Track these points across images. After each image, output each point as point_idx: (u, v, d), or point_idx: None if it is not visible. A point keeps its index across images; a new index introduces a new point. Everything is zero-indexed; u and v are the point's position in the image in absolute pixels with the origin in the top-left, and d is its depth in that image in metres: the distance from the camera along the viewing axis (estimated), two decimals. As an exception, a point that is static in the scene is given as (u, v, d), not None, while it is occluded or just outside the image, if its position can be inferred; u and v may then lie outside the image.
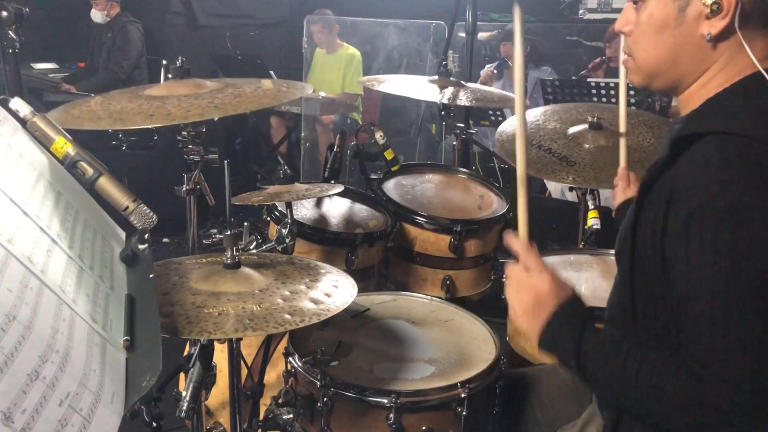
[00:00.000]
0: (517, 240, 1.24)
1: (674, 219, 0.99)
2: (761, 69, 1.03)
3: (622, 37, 1.19)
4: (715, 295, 0.94)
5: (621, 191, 1.75)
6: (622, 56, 1.20)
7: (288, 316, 1.27)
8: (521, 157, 1.24)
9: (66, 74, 5.47)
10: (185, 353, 1.60)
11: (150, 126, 1.35)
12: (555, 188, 3.81)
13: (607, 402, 1.23)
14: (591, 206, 2.13)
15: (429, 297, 1.94)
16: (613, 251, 2.12)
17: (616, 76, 3.93)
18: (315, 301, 1.35)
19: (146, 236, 1.22)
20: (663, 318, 1.06)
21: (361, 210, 2.40)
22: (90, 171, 1.14)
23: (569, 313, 1.14)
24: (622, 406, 1.13)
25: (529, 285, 1.18)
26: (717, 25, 1.03)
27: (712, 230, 0.94)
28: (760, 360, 0.92)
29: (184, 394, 1.33)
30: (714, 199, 0.95)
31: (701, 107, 1.08)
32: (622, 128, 1.84)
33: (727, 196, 0.94)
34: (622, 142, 1.83)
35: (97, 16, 5.24)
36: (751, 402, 0.92)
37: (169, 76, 1.62)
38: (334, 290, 1.43)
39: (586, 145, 2.09)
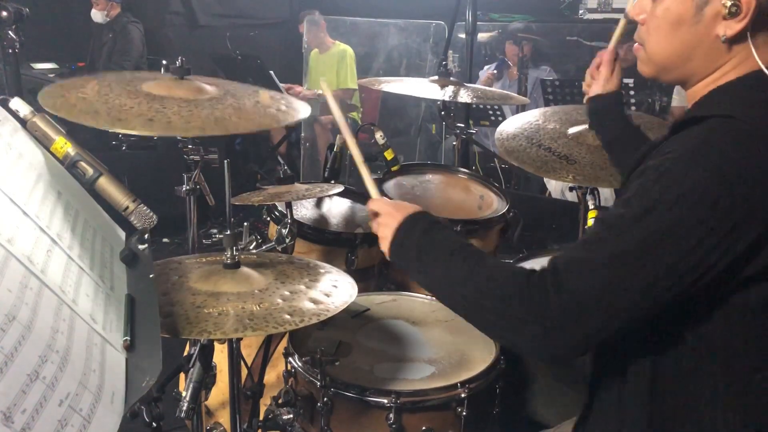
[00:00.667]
0: (372, 201, 1.33)
1: (638, 169, 1.03)
2: (762, 66, 1.02)
3: (638, 27, 1.17)
4: (612, 226, 0.98)
5: (602, 78, 1.68)
6: (634, 45, 1.19)
7: (288, 316, 1.27)
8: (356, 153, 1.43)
9: (65, 72, 5.48)
10: (185, 353, 1.60)
11: (149, 134, 1.35)
12: (555, 188, 3.82)
13: (439, 294, 1.22)
14: (591, 206, 2.12)
15: (429, 297, 1.94)
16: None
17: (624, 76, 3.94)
18: (314, 301, 1.35)
19: (146, 236, 1.22)
20: None
21: (361, 210, 2.40)
22: (90, 171, 1.14)
23: (412, 221, 1.20)
24: (450, 301, 1.14)
25: (381, 219, 1.27)
26: (734, 26, 1.02)
27: (650, 182, 0.97)
28: (596, 294, 0.95)
29: (184, 394, 1.33)
30: (674, 162, 0.96)
31: (704, 97, 1.08)
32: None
33: (685, 163, 0.95)
34: (622, 22, 1.68)
35: (97, 16, 5.25)
36: (557, 316, 0.95)
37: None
38: (334, 290, 1.43)
39: (587, 144, 2.08)
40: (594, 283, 0.95)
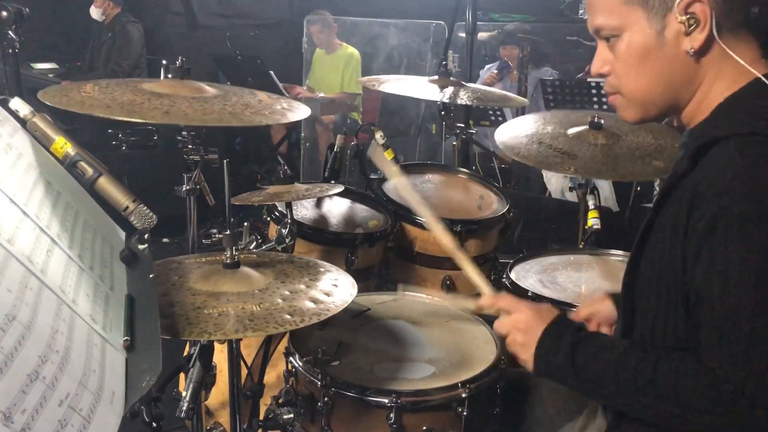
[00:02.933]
0: (485, 299, 1.30)
1: (699, 219, 0.99)
2: (760, 76, 1.03)
3: (607, 80, 1.16)
4: (740, 297, 0.94)
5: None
6: (610, 97, 1.18)
7: (288, 316, 1.27)
8: (446, 240, 1.36)
9: (65, 72, 5.48)
10: (185, 353, 1.60)
11: (168, 123, 1.36)
12: (555, 188, 3.81)
13: (614, 408, 1.21)
14: (591, 206, 2.13)
15: (429, 297, 1.94)
16: (612, 251, 2.14)
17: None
18: (315, 301, 1.35)
19: (146, 236, 1.22)
20: (671, 321, 1.07)
21: (361, 210, 2.40)
22: (90, 171, 1.14)
23: (558, 332, 1.15)
24: (631, 411, 1.12)
25: (514, 323, 1.22)
26: (698, 38, 1.03)
27: (737, 231, 0.94)
28: None
29: (184, 394, 1.33)
30: (739, 200, 0.94)
31: (713, 114, 1.07)
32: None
33: (751, 196, 0.94)
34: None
35: (95, 12, 5.24)
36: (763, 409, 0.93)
37: (169, 75, 1.62)
38: (334, 289, 1.43)
39: (587, 142, 2.09)
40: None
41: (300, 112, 1.59)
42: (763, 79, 1.02)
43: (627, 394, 1.06)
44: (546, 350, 1.16)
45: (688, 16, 1.02)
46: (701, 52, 1.04)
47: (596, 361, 1.10)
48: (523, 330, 1.20)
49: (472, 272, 1.33)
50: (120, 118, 1.31)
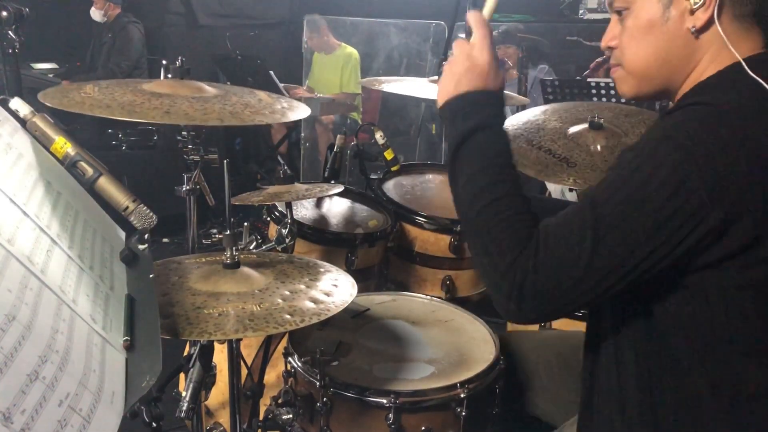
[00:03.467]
0: (477, 14, 1.25)
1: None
2: (740, 58, 1.05)
3: (613, 52, 1.19)
4: (591, 202, 1.00)
5: None
6: (612, 69, 1.21)
7: (288, 316, 1.27)
8: None
9: (65, 72, 5.48)
10: (185, 353, 1.60)
11: (169, 123, 1.36)
12: (555, 188, 3.81)
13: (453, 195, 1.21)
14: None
15: (429, 297, 1.94)
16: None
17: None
18: (315, 301, 1.35)
19: (146, 236, 1.22)
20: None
21: (361, 210, 2.40)
22: (90, 171, 1.14)
23: (479, 101, 1.15)
24: (460, 209, 1.15)
25: (465, 55, 1.19)
26: (701, 17, 1.05)
27: (625, 159, 1.01)
28: (570, 263, 0.99)
29: (184, 394, 1.33)
30: (648, 141, 1.00)
31: (687, 92, 1.10)
32: None
33: (657, 142, 0.98)
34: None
35: (95, 14, 5.24)
36: (536, 297, 1.01)
37: (169, 76, 1.62)
38: (334, 289, 1.43)
39: (586, 146, 2.09)
40: (569, 261, 0.99)
41: (300, 111, 1.59)
42: (742, 62, 1.04)
43: (465, 196, 1.11)
44: (460, 103, 1.15)
45: None
46: (701, 31, 1.06)
47: (477, 154, 1.12)
48: (465, 68, 1.17)
49: None
50: (120, 118, 1.31)
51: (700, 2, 1.04)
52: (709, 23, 1.06)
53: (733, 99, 1.00)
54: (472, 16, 1.23)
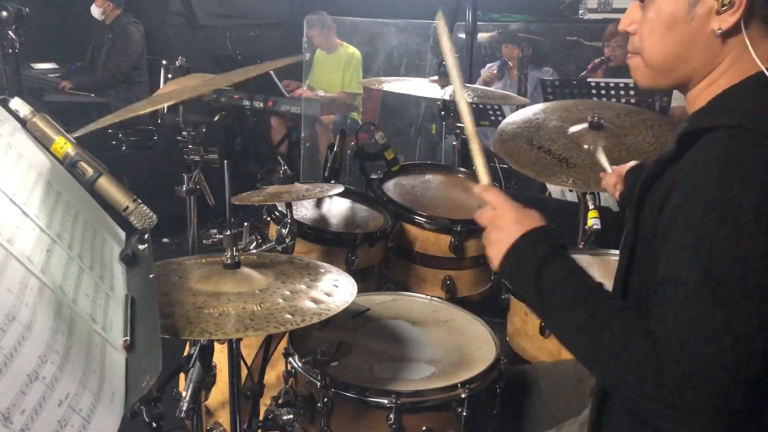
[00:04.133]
0: (480, 186, 1.24)
1: (668, 207, 0.99)
2: (763, 68, 1.02)
3: (630, 38, 1.16)
4: (688, 281, 0.92)
5: (623, 179, 1.67)
6: (628, 55, 1.18)
7: (289, 316, 1.27)
8: (467, 117, 1.32)
9: (65, 72, 5.48)
10: (185, 353, 1.60)
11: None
12: (555, 188, 3.81)
13: (558, 338, 1.16)
14: (591, 206, 2.12)
15: (429, 297, 1.94)
16: (613, 251, 2.14)
17: (616, 75, 3.94)
18: (315, 301, 1.35)
19: (146, 236, 1.22)
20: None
21: (361, 210, 2.40)
22: (90, 171, 1.14)
23: (536, 239, 1.11)
24: (570, 345, 1.07)
25: (494, 218, 1.17)
26: (728, 20, 1.02)
27: (698, 218, 0.93)
28: (715, 352, 0.89)
29: (184, 394, 1.33)
30: (706, 189, 0.94)
31: (709, 104, 1.07)
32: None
33: (719, 187, 0.93)
34: (601, 152, 1.79)
35: (95, 11, 5.24)
36: (698, 391, 0.89)
37: (169, 76, 1.62)
38: (335, 289, 1.43)
39: (586, 146, 2.09)
40: (720, 352, 0.89)
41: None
42: (765, 71, 1.01)
43: (575, 326, 1.02)
44: (518, 253, 1.11)
45: None
46: (727, 34, 1.03)
47: (562, 282, 1.06)
48: (500, 227, 1.16)
49: (478, 156, 1.29)
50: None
51: (728, 4, 1.01)
52: (736, 27, 1.02)
53: (762, 117, 0.97)
54: (478, 189, 1.24)
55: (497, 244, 1.14)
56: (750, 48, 1.02)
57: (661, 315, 0.95)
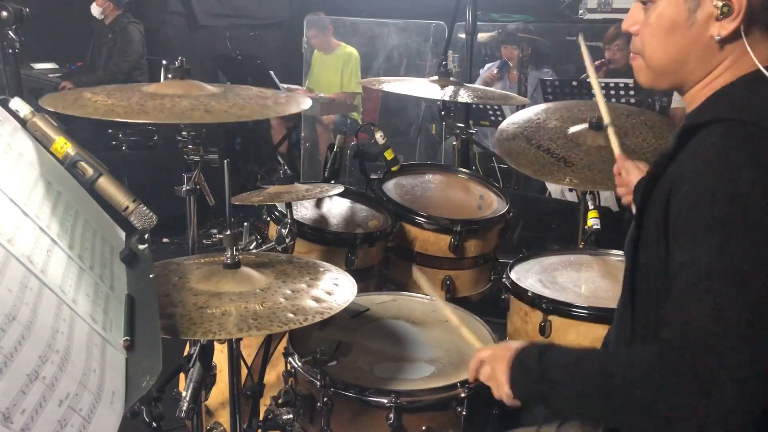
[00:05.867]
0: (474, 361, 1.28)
1: (675, 201, 0.99)
2: (761, 67, 1.03)
3: (633, 38, 1.18)
4: (700, 267, 0.91)
5: (633, 168, 1.61)
6: (631, 55, 1.19)
7: (291, 315, 1.27)
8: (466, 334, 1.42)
9: (65, 72, 5.48)
10: (185, 353, 1.60)
11: (204, 121, 1.37)
12: (555, 188, 3.81)
13: (595, 420, 1.20)
14: (591, 206, 2.12)
15: (429, 297, 1.94)
16: (612, 251, 2.14)
17: (617, 77, 3.94)
18: (317, 300, 1.35)
19: (146, 236, 1.22)
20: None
21: (361, 210, 2.40)
22: (90, 171, 1.14)
23: (523, 355, 1.14)
24: (609, 417, 1.07)
25: (481, 359, 1.23)
26: (727, 26, 1.03)
27: (708, 206, 0.93)
28: (728, 335, 0.87)
29: (184, 394, 1.33)
30: (711, 177, 0.95)
31: (705, 101, 1.08)
32: (606, 119, 1.73)
33: (724, 174, 0.94)
34: (612, 131, 1.72)
35: (95, 10, 5.24)
36: (709, 371, 0.87)
37: (169, 76, 1.62)
38: (335, 288, 1.43)
39: (585, 146, 2.09)
40: (733, 359, 0.87)
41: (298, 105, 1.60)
42: (763, 70, 1.03)
43: (602, 395, 1.01)
44: (518, 373, 1.14)
45: (723, 2, 1.02)
46: (726, 40, 1.05)
47: (568, 371, 1.07)
48: (491, 361, 1.20)
49: (466, 333, 1.42)
50: (157, 121, 1.32)
51: (727, 11, 1.02)
52: (735, 33, 1.03)
53: (757, 110, 0.98)
54: (472, 366, 1.28)
55: (497, 375, 1.17)
56: (750, 52, 1.03)
57: (670, 309, 0.94)
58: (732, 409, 0.87)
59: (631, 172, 1.60)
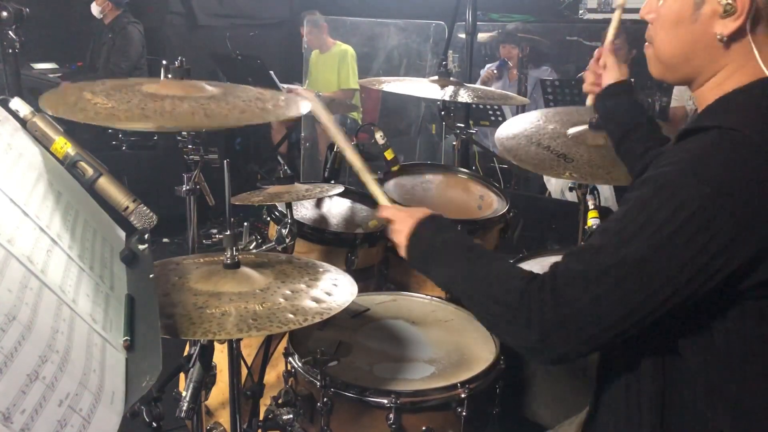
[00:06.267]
0: (383, 208, 1.39)
1: (639, 179, 1.02)
2: (763, 66, 1.02)
3: (648, 26, 1.17)
4: (610, 238, 0.98)
5: (611, 67, 1.62)
6: (645, 44, 1.19)
7: (291, 315, 1.27)
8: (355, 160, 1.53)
9: (65, 73, 5.48)
10: (185, 353, 1.60)
11: (204, 127, 1.38)
12: (555, 188, 3.81)
13: (451, 290, 1.32)
14: (591, 206, 2.12)
15: (429, 297, 1.94)
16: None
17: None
18: (316, 300, 1.35)
19: (146, 236, 1.22)
20: None
21: (361, 210, 2.40)
22: (90, 171, 1.14)
23: (421, 230, 1.25)
24: (460, 294, 1.17)
25: (394, 227, 1.31)
26: (729, 26, 1.02)
27: (649, 193, 0.96)
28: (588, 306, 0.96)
29: (184, 394, 1.33)
30: (669, 173, 0.96)
31: (713, 104, 1.07)
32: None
33: (679, 176, 0.95)
34: (617, 14, 1.67)
35: (94, 9, 5.24)
36: (553, 326, 0.98)
37: (169, 76, 1.61)
38: (335, 288, 1.43)
39: (585, 144, 2.08)
40: (589, 296, 0.96)
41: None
42: (765, 70, 1.01)
43: (468, 297, 1.13)
44: (415, 239, 1.25)
45: (727, 1, 1.01)
46: (730, 40, 1.03)
47: (451, 257, 1.18)
48: (398, 222, 1.30)
49: (371, 184, 1.51)
50: (156, 128, 1.32)
51: (731, 10, 1.01)
52: (739, 32, 1.02)
53: (762, 125, 0.97)
54: (380, 210, 1.40)
55: (400, 243, 1.28)
56: (756, 53, 1.02)
57: (570, 254, 1.03)
58: (563, 343, 0.99)
59: (608, 71, 1.62)
